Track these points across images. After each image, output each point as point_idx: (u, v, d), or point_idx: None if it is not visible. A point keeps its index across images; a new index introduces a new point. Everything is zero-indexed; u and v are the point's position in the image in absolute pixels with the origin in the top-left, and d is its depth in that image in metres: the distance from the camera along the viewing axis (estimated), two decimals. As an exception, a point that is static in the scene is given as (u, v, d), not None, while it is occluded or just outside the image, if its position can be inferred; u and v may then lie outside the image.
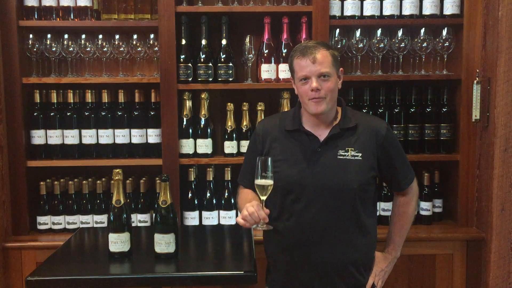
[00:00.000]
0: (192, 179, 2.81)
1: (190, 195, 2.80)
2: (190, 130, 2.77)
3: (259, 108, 2.79)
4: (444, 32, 2.73)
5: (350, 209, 1.99)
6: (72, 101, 2.80)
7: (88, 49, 2.75)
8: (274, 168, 2.00)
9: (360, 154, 1.99)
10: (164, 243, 2.10)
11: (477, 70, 2.66)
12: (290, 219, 2.02)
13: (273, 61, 2.76)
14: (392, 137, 2.07)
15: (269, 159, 1.94)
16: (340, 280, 2.02)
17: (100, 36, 2.74)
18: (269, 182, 1.93)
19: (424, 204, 2.82)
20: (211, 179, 2.82)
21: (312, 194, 1.98)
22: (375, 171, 2.03)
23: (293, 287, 2.06)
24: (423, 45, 2.74)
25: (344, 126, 2.01)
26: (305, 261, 2.01)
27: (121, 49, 2.77)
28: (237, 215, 2.79)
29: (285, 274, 2.07)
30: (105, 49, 2.76)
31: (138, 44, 2.77)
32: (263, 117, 2.75)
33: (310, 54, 1.93)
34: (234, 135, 2.79)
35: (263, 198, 1.95)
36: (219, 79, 2.76)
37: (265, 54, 2.76)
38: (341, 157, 1.99)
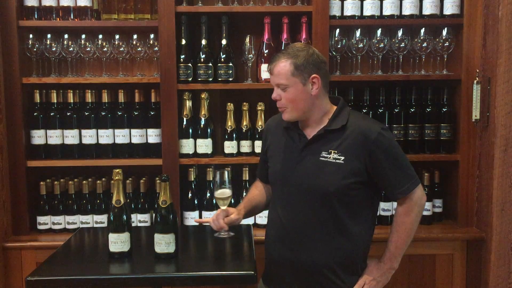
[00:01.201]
0: (192, 179, 2.81)
1: (190, 195, 2.80)
2: (190, 130, 2.77)
3: (259, 108, 2.80)
4: (444, 32, 2.73)
5: (328, 212, 1.94)
6: (72, 101, 2.80)
7: (88, 49, 2.75)
8: (268, 163, 2.13)
9: (342, 158, 1.92)
10: (164, 243, 2.10)
11: (477, 70, 2.66)
12: (274, 213, 2.08)
13: (273, 61, 2.76)
14: (384, 142, 1.92)
15: (226, 171, 2.16)
16: (315, 282, 1.98)
17: (100, 36, 2.74)
18: (224, 193, 2.15)
19: (424, 204, 2.82)
20: (211, 179, 2.82)
21: (292, 192, 2.00)
22: (361, 177, 1.93)
23: (274, 281, 2.10)
24: (423, 45, 2.74)
25: (328, 128, 1.97)
26: (282, 257, 2.03)
27: (121, 49, 2.77)
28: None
29: (269, 267, 2.13)
30: (105, 49, 2.75)
31: (138, 44, 2.77)
32: (263, 117, 2.78)
33: (270, 64, 1.99)
34: (234, 135, 2.79)
35: (223, 207, 2.12)
36: (219, 79, 2.75)
37: (265, 54, 2.76)
38: (323, 159, 1.95)
